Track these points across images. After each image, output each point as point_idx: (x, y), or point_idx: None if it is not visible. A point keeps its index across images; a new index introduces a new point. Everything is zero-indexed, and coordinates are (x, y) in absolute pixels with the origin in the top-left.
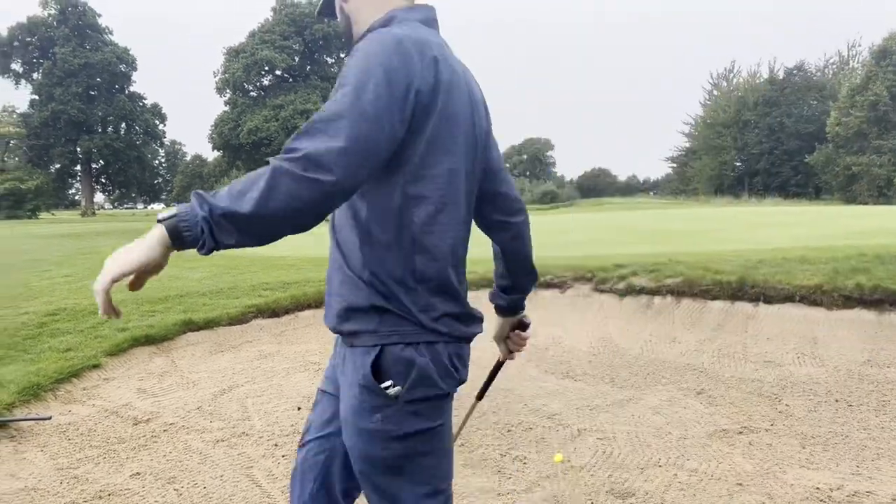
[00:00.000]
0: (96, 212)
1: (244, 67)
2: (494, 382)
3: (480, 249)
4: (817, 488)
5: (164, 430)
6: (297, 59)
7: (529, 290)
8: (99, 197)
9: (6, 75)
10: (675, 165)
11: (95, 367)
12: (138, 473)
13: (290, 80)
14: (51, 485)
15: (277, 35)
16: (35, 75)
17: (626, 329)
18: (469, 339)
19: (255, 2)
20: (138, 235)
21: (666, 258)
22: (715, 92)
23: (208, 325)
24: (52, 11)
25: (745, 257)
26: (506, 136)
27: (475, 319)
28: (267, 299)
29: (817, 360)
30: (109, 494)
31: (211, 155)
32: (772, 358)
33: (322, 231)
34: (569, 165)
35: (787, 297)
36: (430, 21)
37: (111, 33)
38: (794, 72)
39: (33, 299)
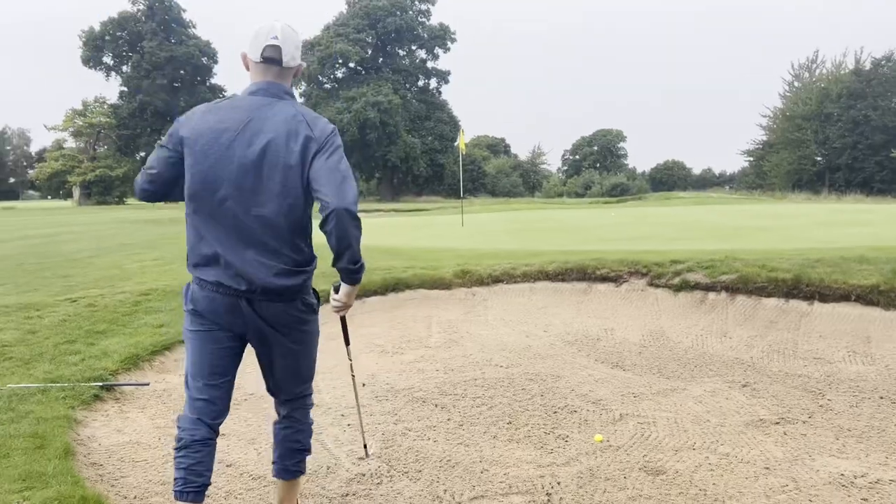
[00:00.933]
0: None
1: (319, 60)
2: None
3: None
4: (842, 475)
5: (245, 400)
6: (369, 51)
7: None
8: None
9: (98, 68)
10: (751, 159)
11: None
12: (224, 434)
13: (363, 72)
14: (150, 440)
15: (351, 28)
16: (124, 68)
17: (679, 323)
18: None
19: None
20: None
21: (723, 255)
22: (796, 83)
23: None
24: (141, 7)
25: (803, 256)
26: (578, 127)
27: None
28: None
29: (868, 359)
30: None
31: None
32: (821, 355)
33: (380, 223)
34: (642, 157)
35: (843, 297)
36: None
37: (195, 27)
38: (883, 62)
39: (127, 280)
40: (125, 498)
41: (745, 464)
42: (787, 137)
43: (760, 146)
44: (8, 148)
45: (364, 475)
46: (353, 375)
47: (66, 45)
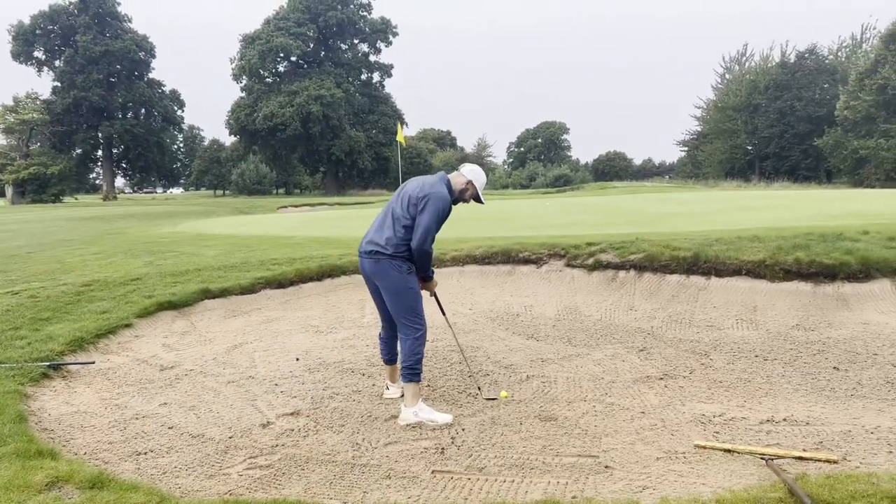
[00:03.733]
0: (117, 196)
1: (259, 54)
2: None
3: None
4: (703, 415)
5: (186, 375)
6: (311, 45)
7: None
8: (119, 181)
9: (29, 63)
10: (686, 149)
11: (128, 326)
12: (165, 403)
13: (305, 66)
14: (97, 409)
15: (292, 22)
16: (57, 63)
17: (592, 299)
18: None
19: None
20: (156, 218)
21: (634, 237)
22: (727, 75)
23: (223, 293)
24: (73, 0)
25: (704, 236)
26: (519, 120)
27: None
28: (274, 272)
29: (753, 325)
30: (144, 416)
31: (228, 140)
32: (713, 323)
33: (311, 216)
34: (585, 149)
35: (735, 271)
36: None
37: (130, 21)
38: (806, 55)
39: (69, 272)
40: (76, 454)
41: (625, 410)
42: (720, 128)
43: (695, 137)
44: None
45: (293, 430)
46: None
47: None
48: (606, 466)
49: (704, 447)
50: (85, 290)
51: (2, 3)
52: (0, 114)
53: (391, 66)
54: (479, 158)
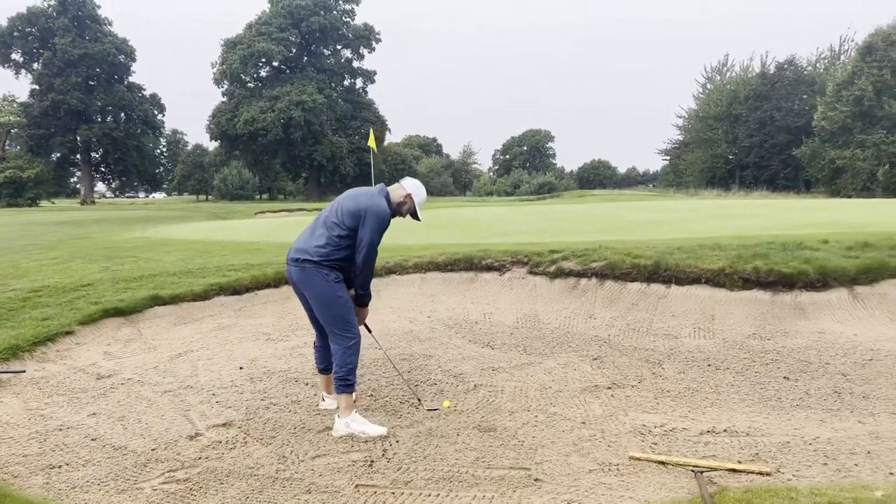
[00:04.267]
0: (96, 200)
1: (241, 59)
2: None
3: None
4: (644, 425)
5: (122, 384)
6: (293, 50)
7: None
8: (102, 186)
9: (6, 65)
10: (668, 158)
11: (69, 333)
12: (94, 413)
13: (287, 71)
14: (20, 420)
15: (274, 27)
16: (35, 65)
17: (552, 307)
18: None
19: None
20: (130, 223)
21: (597, 244)
22: (709, 85)
23: (174, 300)
24: (52, 2)
25: (666, 244)
26: (507, 126)
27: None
28: (230, 278)
29: (709, 334)
30: (69, 428)
31: (211, 145)
32: (671, 332)
33: (283, 222)
34: (570, 157)
35: (695, 280)
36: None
37: (111, 24)
38: (785, 66)
39: (21, 278)
40: None
41: (566, 420)
42: (700, 137)
43: (677, 146)
44: None
45: (221, 442)
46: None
47: None
48: (536, 479)
49: (639, 459)
50: (32, 296)
51: None
52: None
53: (374, 73)
54: (464, 165)
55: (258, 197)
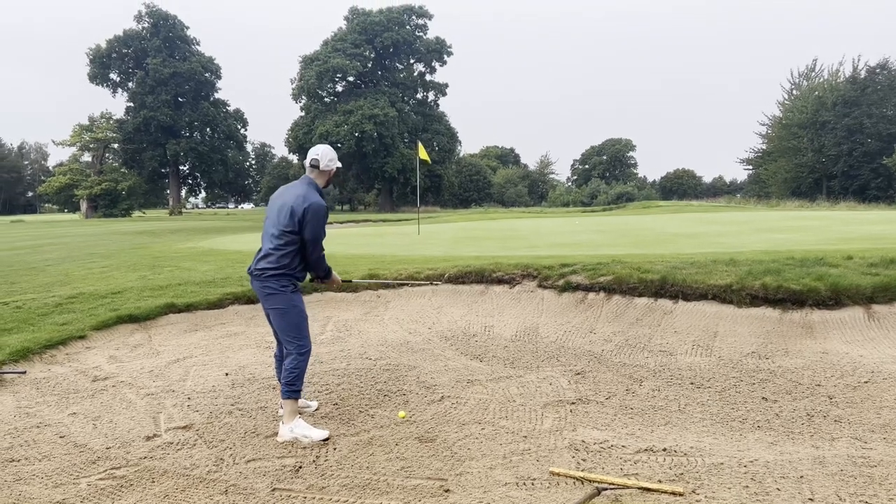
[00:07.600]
0: (183, 210)
1: (317, 75)
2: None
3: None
4: (583, 441)
5: (113, 386)
6: (368, 65)
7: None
8: (196, 197)
9: (105, 84)
10: (750, 168)
11: (81, 337)
12: (74, 413)
13: (362, 85)
14: (7, 417)
15: (349, 43)
16: (130, 84)
17: (555, 320)
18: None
19: (329, 12)
20: (199, 233)
21: (608, 258)
22: (795, 91)
23: (188, 308)
24: (146, 25)
25: (677, 258)
26: (588, 136)
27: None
28: (246, 288)
29: (707, 351)
30: (45, 425)
31: (294, 157)
32: (668, 348)
33: (344, 232)
34: (653, 166)
35: (702, 295)
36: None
37: (198, 44)
38: (878, 70)
39: (66, 285)
40: None
41: (509, 434)
42: (784, 146)
43: (759, 154)
44: (26, 163)
45: (172, 444)
46: None
47: (79, 62)
48: (446, 490)
49: (559, 474)
50: (65, 303)
51: (83, 27)
52: (77, 133)
53: (446, 85)
54: (541, 175)
55: (339, 208)
